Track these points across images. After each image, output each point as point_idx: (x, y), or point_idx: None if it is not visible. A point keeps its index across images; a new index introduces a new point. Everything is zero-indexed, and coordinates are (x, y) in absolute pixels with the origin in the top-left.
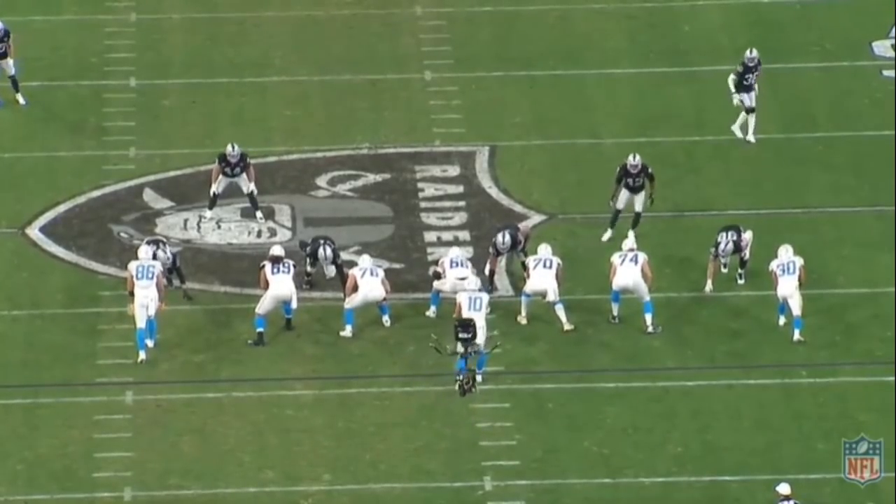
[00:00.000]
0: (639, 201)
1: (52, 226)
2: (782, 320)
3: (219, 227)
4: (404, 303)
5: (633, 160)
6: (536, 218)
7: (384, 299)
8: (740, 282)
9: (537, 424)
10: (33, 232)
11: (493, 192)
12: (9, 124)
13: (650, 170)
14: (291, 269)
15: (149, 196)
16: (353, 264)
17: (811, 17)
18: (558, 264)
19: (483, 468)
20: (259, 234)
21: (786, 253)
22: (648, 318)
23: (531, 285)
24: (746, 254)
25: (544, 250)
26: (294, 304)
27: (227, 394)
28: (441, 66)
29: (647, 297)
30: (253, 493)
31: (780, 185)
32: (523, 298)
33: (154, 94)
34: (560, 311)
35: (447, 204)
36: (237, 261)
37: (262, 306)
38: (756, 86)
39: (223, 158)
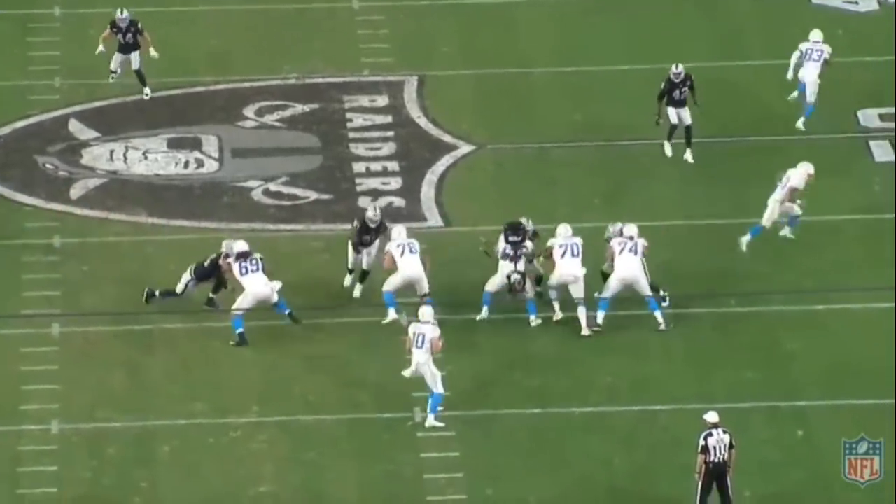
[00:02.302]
0: (686, 114)
1: None
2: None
3: (146, 157)
4: (333, 234)
5: (676, 69)
6: (465, 148)
7: (426, 295)
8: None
9: (467, 356)
10: None
11: (422, 122)
12: None
13: (693, 78)
14: (260, 264)
15: (74, 126)
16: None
17: None
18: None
19: (413, 399)
20: (186, 165)
21: (566, 232)
22: (658, 315)
23: (557, 275)
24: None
25: (564, 230)
26: (275, 299)
27: (156, 326)
28: None
29: (650, 293)
30: (182, 425)
31: (711, 114)
32: (551, 294)
33: (79, 23)
34: (581, 313)
35: (376, 134)
36: (164, 192)
37: (242, 305)
38: None
39: (113, 24)
